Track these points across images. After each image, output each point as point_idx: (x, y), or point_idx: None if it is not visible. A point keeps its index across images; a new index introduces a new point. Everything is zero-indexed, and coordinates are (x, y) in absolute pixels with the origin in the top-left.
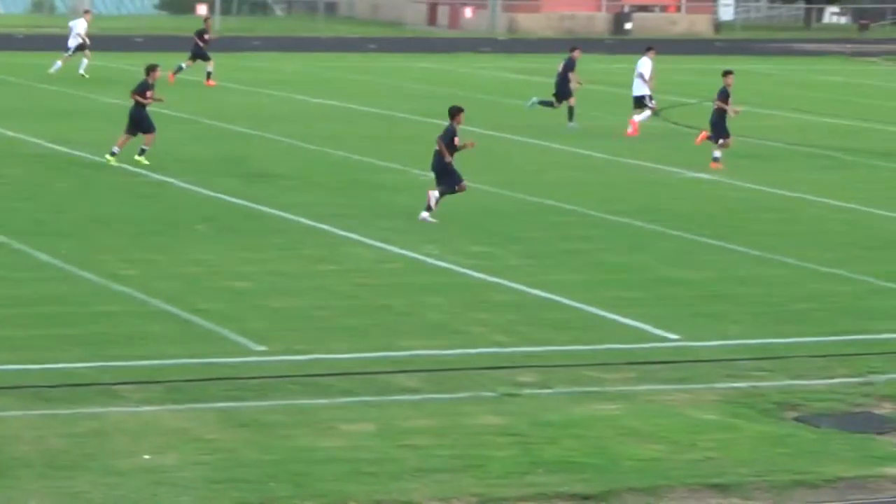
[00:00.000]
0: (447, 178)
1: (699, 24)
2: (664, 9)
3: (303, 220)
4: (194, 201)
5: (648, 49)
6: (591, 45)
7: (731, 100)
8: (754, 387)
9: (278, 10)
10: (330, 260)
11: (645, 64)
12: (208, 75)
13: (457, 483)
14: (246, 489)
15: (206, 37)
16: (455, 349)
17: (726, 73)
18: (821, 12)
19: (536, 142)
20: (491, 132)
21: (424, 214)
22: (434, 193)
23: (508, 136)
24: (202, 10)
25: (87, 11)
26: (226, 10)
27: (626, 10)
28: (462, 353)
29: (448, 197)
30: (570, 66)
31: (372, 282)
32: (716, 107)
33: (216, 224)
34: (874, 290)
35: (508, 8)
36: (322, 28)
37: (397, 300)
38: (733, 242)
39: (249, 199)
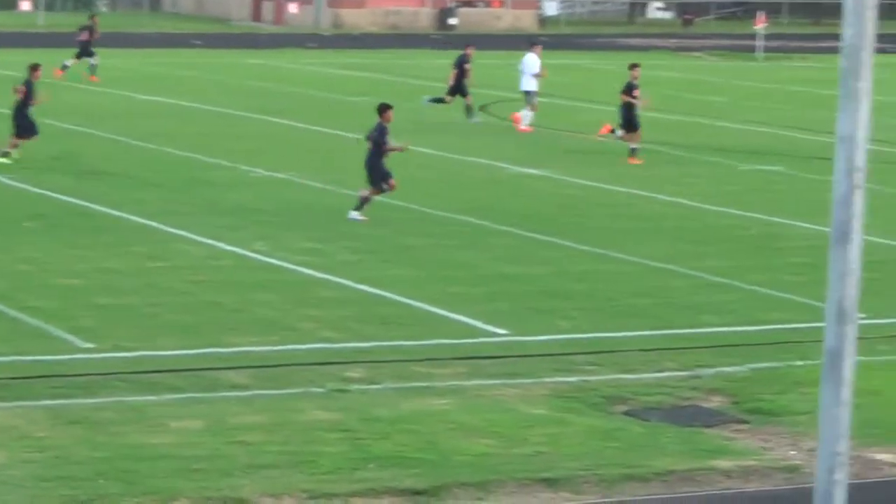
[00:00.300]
0: (377, 176)
1: (524, 20)
2: (488, 4)
3: (134, 217)
4: (24, 199)
5: (533, 45)
6: (416, 40)
7: (637, 92)
8: (584, 381)
9: (102, 6)
10: (160, 257)
11: (532, 61)
12: (92, 69)
13: (287, 479)
14: (76, 486)
15: (92, 34)
16: (285, 345)
17: (632, 67)
18: (644, 7)
19: None
20: (319, 128)
21: (354, 214)
22: (365, 193)
23: (339, 132)
24: (25, 5)
25: None
26: (50, 6)
27: (451, 5)
28: (292, 349)
29: (284, 194)
30: (463, 62)
31: (202, 279)
32: (623, 101)
33: (47, 222)
34: (704, 285)
35: (333, 3)
36: (147, 24)
37: (227, 297)
38: (566, 238)
39: (81, 197)
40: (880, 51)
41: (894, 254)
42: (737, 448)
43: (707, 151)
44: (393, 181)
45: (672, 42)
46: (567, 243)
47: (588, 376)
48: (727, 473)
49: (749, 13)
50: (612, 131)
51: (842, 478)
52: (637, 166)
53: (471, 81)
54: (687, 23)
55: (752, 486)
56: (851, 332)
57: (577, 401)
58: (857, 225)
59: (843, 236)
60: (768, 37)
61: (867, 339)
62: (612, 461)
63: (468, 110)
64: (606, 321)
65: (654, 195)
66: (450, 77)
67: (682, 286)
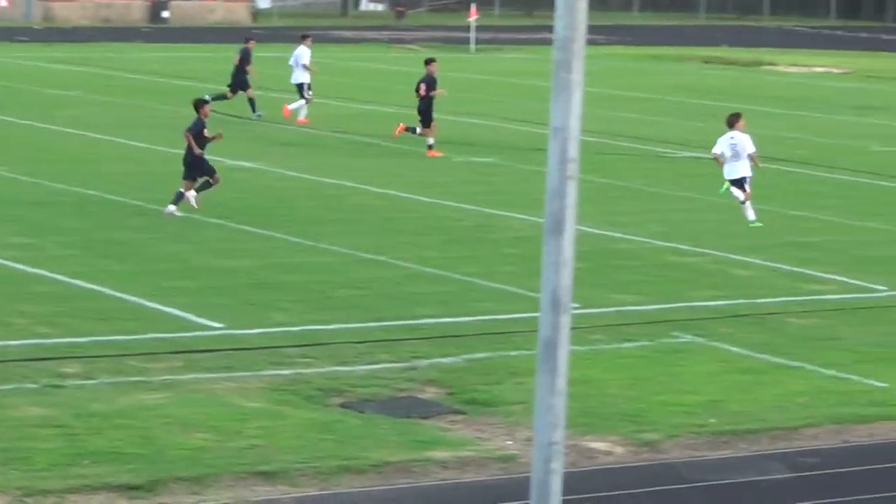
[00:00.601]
0: (198, 172)
1: (237, 12)
2: None
3: None
4: None
5: (305, 37)
6: (128, 34)
7: (437, 85)
8: (299, 374)
9: None
10: None
11: (304, 53)
12: None
13: (1, 476)
14: None
15: None
16: None
17: (428, 62)
18: (357, 0)
19: (83, 133)
20: (28, 122)
21: (171, 208)
22: (191, 193)
23: (52, 126)
24: None
25: None
26: None
27: None
28: (4, 345)
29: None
30: (245, 57)
31: None
32: (421, 95)
33: None
34: (415, 276)
35: None
36: None
37: None
38: (278, 230)
39: None
40: (592, 43)
41: (607, 244)
42: (453, 439)
43: (420, 143)
44: (218, 175)
45: (385, 34)
46: (279, 235)
47: (303, 369)
48: (443, 464)
49: (461, 5)
50: (408, 129)
51: (557, 467)
52: (351, 158)
53: (254, 76)
54: (399, 15)
55: (469, 477)
56: (565, 322)
57: (293, 394)
58: (570, 215)
59: (557, 227)
60: (480, 28)
61: (581, 329)
62: (329, 453)
63: (251, 103)
64: (319, 313)
65: (367, 187)
66: (250, 72)
67: (395, 277)
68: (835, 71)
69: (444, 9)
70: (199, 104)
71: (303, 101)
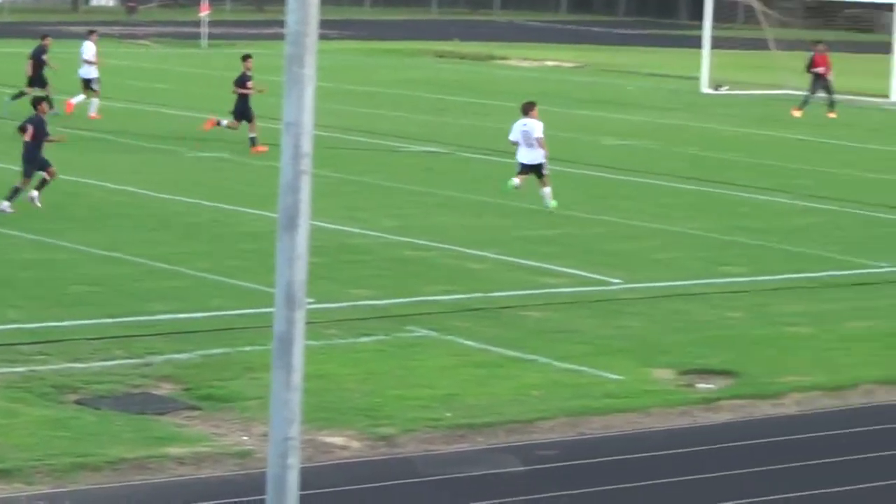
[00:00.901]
0: (33, 168)
1: None
2: None
3: None
4: None
5: (90, 33)
6: None
7: (251, 83)
8: (33, 371)
9: None
10: None
11: (89, 48)
12: None
13: None
14: None
15: None
16: None
17: (245, 58)
18: None
19: None
20: None
21: (4, 204)
22: (33, 193)
23: None
24: None
25: None
26: None
27: None
28: None
29: None
30: (40, 53)
31: None
32: (237, 92)
33: None
34: (150, 272)
35: None
36: None
37: None
38: (10, 227)
39: None
40: (324, 37)
41: (343, 239)
42: (189, 435)
43: (155, 139)
44: (53, 168)
45: (117, 30)
46: (12, 232)
47: (37, 366)
48: (180, 460)
49: (192, 1)
50: (218, 123)
51: (294, 462)
52: (87, 154)
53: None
54: (130, 10)
55: (205, 473)
56: (300, 317)
57: (27, 391)
58: (304, 210)
59: (291, 222)
60: (212, 24)
61: (316, 324)
62: (64, 451)
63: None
64: (54, 310)
65: (102, 183)
66: (27, 68)
67: (130, 273)
68: (566, 65)
69: (175, 4)
70: (36, 101)
71: (83, 97)
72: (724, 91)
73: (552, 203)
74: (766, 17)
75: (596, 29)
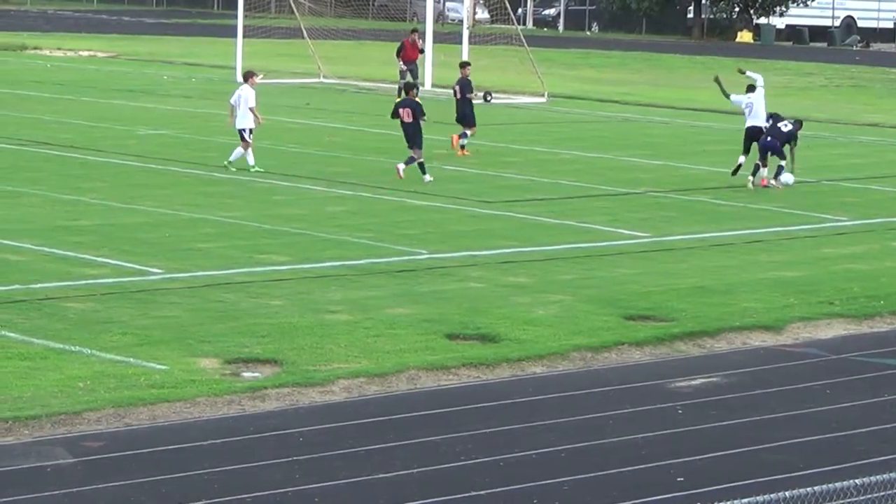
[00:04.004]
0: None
1: None
2: None
3: None
4: None
5: None
6: None
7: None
8: None
9: None
10: None
11: None
12: None
13: None
14: None
15: None
16: None
17: (463, 66)
18: None
19: None
20: None
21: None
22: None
23: None
24: None
25: None
26: None
27: None
28: None
29: None
30: None
31: None
32: (457, 98)
33: None
34: None
35: None
36: None
37: None
38: None
39: None
40: None
41: None
42: None
43: None
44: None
45: None
46: None
47: None
48: None
49: None
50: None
51: None
52: None
53: None
54: None
55: None
56: None
57: None
58: None
59: None
60: None
61: None
62: None
63: None
64: None
65: None
66: None
67: None
68: (101, 55)
69: None
70: None
71: None
72: (258, 80)
73: (255, 166)
74: (299, 7)
75: (127, 18)
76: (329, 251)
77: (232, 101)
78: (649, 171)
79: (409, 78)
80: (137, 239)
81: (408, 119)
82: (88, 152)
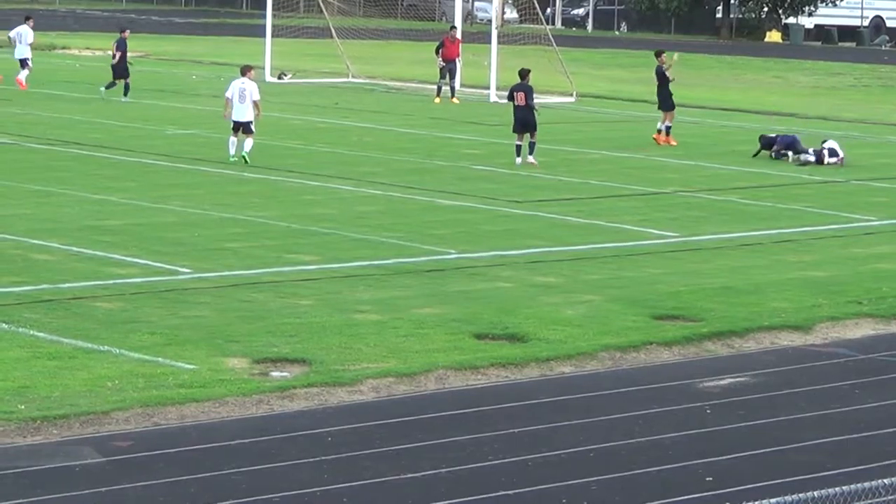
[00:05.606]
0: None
1: None
2: None
3: None
4: None
5: (27, 18)
6: None
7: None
8: None
9: None
10: None
11: (27, 32)
12: None
13: None
14: None
15: None
16: None
17: (658, 54)
18: None
19: None
20: None
21: None
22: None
23: None
24: None
25: None
26: None
27: None
28: None
29: None
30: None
31: None
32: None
33: None
34: None
35: None
36: None
37: None
38: None
39: None
40: None
41: None
42: None
43: None
44: None
45: None
46: None
47: None
48: None
49: None
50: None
51: None
52: None
53: None
54: None
55: None
56: None
57: None
58: None
59: None
60: None
61: None
62: None
63: None
64: None
65: None
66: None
67: None
68: (130, 54)
69: None
70: None
71: (27, 72)
72: (287, 80)
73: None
74: (327, 7)
75: (156, 18)
76: (358, 251)
77: (228, 94)
78: (678, 171)
79: (446, 77)
80: (166, 238)
81: (520, 102)
82: (118, 152)
